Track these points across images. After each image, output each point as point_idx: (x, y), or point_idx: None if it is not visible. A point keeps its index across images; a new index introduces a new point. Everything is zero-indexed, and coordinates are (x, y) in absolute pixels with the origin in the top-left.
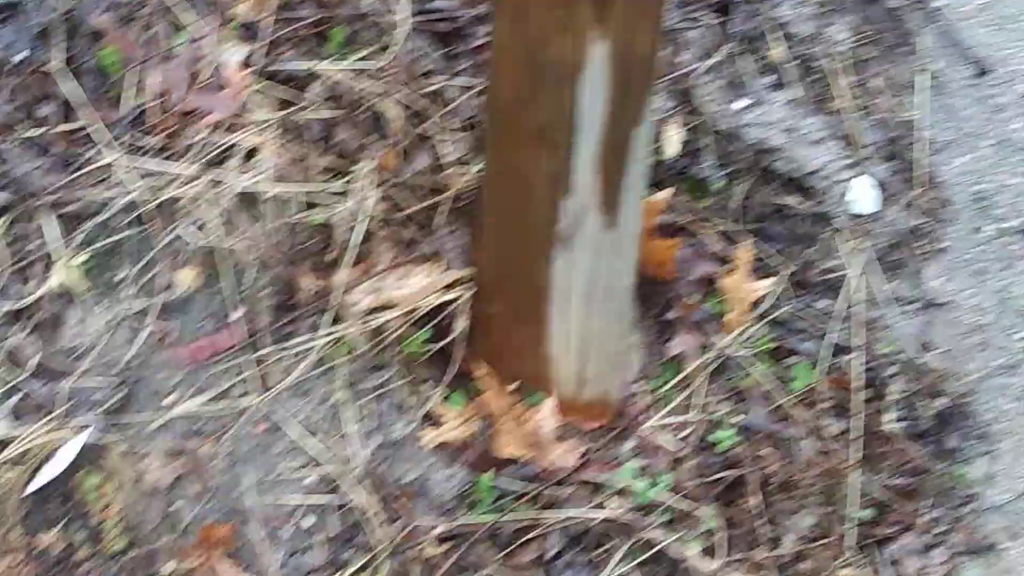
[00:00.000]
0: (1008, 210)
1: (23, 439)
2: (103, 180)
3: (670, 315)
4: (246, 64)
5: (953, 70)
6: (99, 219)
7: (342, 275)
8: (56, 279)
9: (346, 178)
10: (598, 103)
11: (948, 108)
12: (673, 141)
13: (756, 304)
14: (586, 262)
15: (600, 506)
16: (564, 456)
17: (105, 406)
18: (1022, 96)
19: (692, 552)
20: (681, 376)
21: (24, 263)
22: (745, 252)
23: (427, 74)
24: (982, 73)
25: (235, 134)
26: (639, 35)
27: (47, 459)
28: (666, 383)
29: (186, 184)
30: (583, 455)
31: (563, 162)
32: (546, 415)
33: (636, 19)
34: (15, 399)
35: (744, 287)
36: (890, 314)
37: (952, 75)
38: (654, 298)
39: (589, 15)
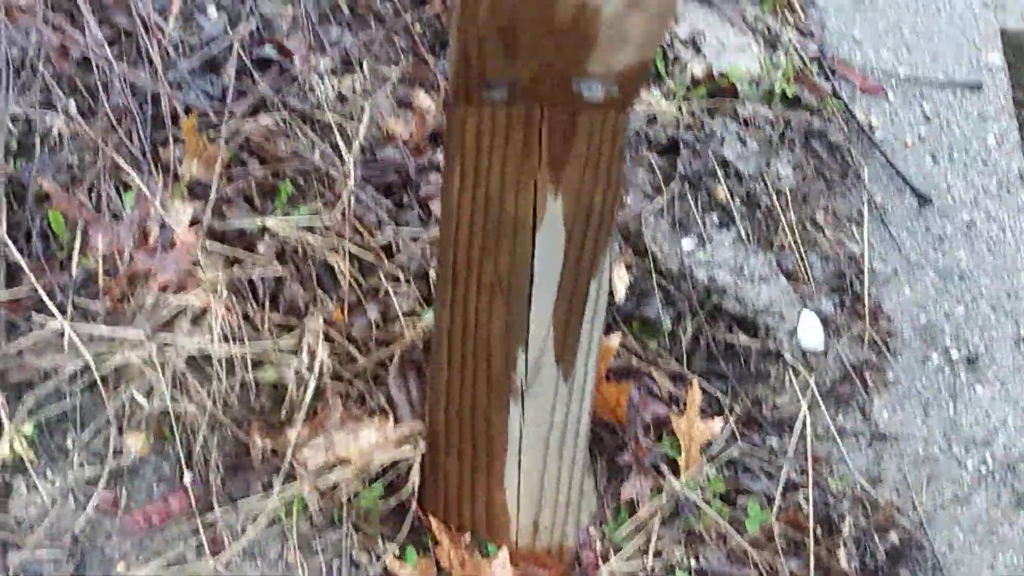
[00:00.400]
0: (953, 339)
1: None
2: (51, 347)
3: (623, 458)
4: (194, 223)
5: (896, 201)
6: (47, 386)
7: (294, 433)
8: (3, 449)
9: (296, 334)
10: (555, 256)
11: (892, 239)
12: (621, 283)
13: (708, 444)
14: (542, 412)
15: None
16: None
17: None
18: (963, 225)
19: None
20: (636, 520)
21: None
22: (695, 393)
23: (376, 225)
24: (924, 203)
25: (184, 295)
26: (596, 191)
27: None
28: (621, 527)
29: (135, 348)
30: None
31: (519, 314)
32: (500, 566)
33: (592, 176)
34: None
35: (695, 428)
36: (840, 448)
37: (895, 206)
38: (606, 441)
39: (545, 172)
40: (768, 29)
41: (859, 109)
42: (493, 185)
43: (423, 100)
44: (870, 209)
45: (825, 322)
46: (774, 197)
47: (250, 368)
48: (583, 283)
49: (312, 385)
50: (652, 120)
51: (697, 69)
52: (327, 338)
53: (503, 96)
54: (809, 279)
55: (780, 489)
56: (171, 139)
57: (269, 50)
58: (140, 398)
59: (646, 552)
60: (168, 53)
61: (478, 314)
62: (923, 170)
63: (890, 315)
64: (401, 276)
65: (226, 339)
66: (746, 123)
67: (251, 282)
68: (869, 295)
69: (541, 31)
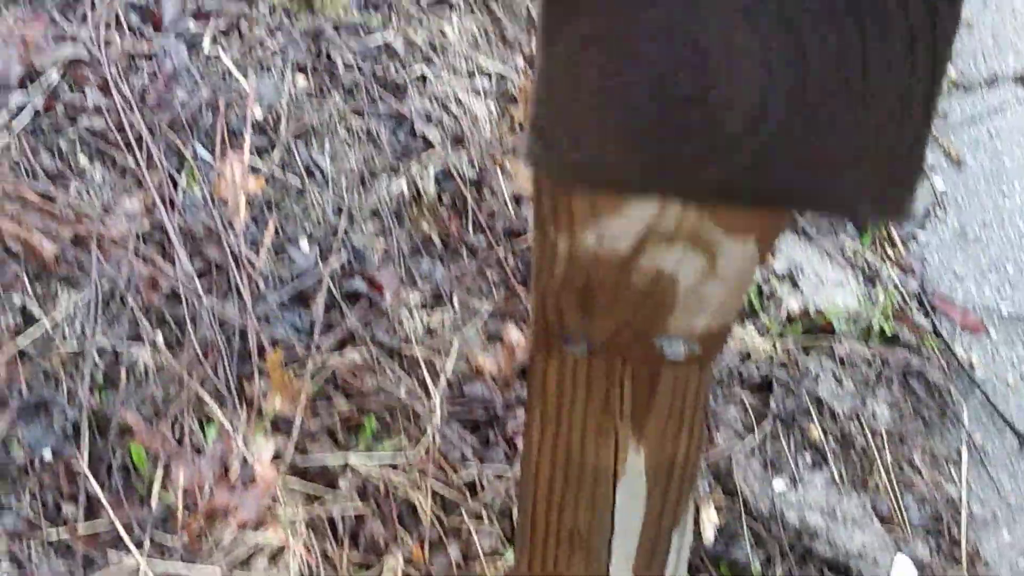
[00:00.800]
0: None
1: None
2: None
3: None
4: (276, 458)
5: (996, 442)
6: None
7: None
8: None
9: (375, 572)
10: (636, 507)
11: (991, 481)
12: (710, 524)
13: None
14: None
15: None
16: None
17: None
18: None
19: None
20: None
21: None
22: None
23: (460, 461)
24: None
25: (262, 532)
26: (679, 443)
27: None
28: None
29: None
30: None
31: (599, 564)
32: None
33: (675, 428)
34: None
35: None
36: None
37: (995, 447)
38: None
39: (626, 424)
40: (867, 264)
41: (959, 347)
42: (574, 435)
43: (513, 334)
44: (969, 450)
45: (920, 567)
46: (869, 437)
47: None
48: (665, 534)
49: None
50: (745, 357)
51: (793, 305)
52: None
53: (582, 351)
54: (904, 522)
55: None
56: (256, 373)
57: (359, 283)
58: None
59: None
60: (258, 286)
61: (557, 562)
62: None
63: (988, 560)
64: (484, 514)
65: None
66: (842, 361)
67: (331, 519)
68: (967, 539)
69: (618, 295)
